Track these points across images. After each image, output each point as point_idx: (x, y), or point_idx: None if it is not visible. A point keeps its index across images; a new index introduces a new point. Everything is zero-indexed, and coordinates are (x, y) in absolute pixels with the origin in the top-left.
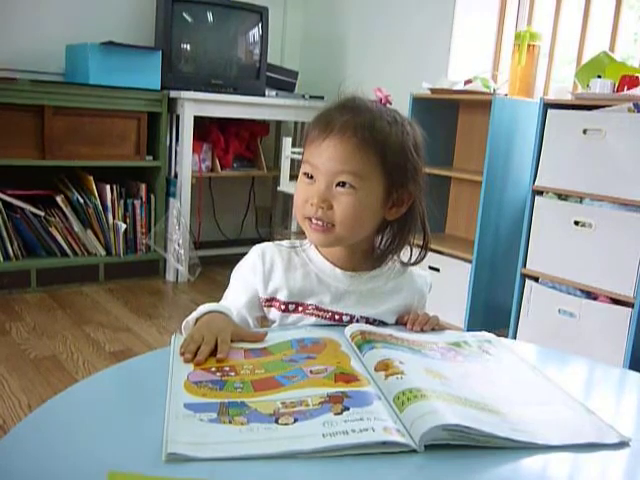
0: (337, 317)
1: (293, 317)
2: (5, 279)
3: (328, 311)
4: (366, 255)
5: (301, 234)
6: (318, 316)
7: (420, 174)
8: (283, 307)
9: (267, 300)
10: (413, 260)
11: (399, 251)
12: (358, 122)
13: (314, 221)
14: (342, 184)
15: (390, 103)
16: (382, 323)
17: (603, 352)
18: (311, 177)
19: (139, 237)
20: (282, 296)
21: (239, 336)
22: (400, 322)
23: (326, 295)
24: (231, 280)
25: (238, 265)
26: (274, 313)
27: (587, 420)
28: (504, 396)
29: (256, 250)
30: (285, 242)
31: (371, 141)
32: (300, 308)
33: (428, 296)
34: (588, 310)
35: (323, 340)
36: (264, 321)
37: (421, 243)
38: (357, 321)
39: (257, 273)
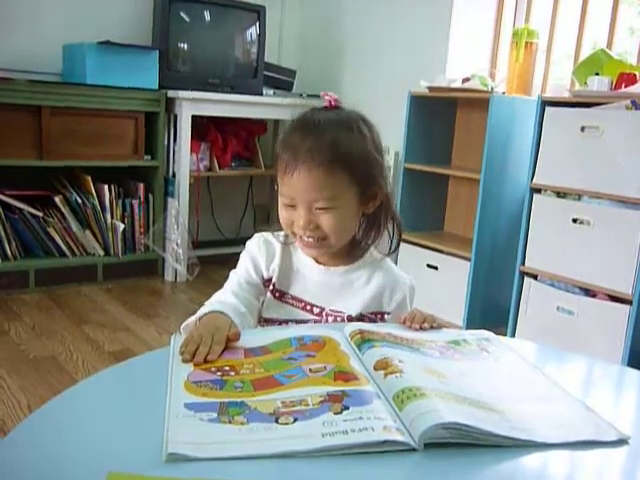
0: (308, 307)
1: (277, 304)
2: (3, 280)
3: (302, 301)
4: (343, 251)
5: None
6: (293, 305)
7: (384, 168)
8: (272, 288)
9: (267, 280)
10: (388, 249)
11: (376, 240)
12: (321, 144)
13: (305, 239)
14: (321, 207)
15: (339, 104)
16: (356, 319)
17: (602, 349)
18: (292, 205)
19: (137, 237)
20: (275, 279)
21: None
22: (398, 322)
23: (302, 286)
24: (240, 261)
25: (244, 251)
26: (268, 295)
27: (586, 418)
28: (503, 394)
29: (258, 236)
30: (280, 233)
31: (338, 161)
32: (282, 296)
33: (409, 298)
34: (586, 307)
35: (322, 338)
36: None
37: (393, 232)
38: (326, 314)
39: (262, 253)
